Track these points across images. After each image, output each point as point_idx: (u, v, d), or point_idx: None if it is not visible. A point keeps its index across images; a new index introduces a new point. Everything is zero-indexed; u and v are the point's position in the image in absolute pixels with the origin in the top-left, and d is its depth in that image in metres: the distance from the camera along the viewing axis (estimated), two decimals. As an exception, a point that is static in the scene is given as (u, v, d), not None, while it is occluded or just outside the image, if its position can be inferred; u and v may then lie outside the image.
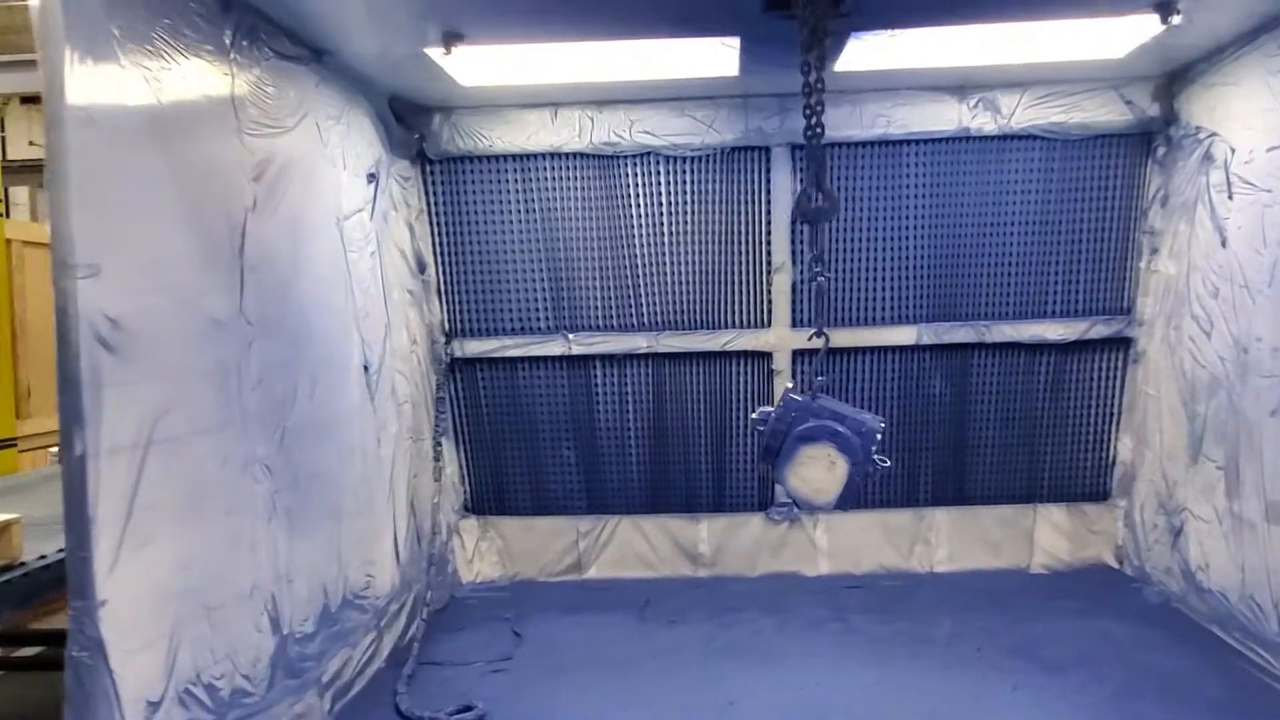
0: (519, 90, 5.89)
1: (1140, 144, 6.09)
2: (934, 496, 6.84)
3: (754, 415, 3.98)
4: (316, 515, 4.83)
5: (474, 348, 6.71)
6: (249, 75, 4.22)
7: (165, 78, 3.59)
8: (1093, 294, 6.36)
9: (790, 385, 4.04)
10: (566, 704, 4.98)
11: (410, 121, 6.16)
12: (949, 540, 6.87)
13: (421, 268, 6.50)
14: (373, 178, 5.67)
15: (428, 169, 6.35)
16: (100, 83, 3.21)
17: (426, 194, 6.40)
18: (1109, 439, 6.65)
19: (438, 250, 6.55)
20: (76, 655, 3.09)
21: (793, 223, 6.27)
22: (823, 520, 6.92)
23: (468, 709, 4.80)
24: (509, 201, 6.39)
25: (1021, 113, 5.99)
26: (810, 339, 4.16)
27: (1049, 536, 6.79)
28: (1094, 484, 6.75)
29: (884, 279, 6.40)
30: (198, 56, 3.83)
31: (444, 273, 6.60)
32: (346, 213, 5.31)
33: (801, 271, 6.40)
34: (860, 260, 6.37)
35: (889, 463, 3.85)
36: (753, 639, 5.78)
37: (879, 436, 3.90)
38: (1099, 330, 6.39)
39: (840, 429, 3.60)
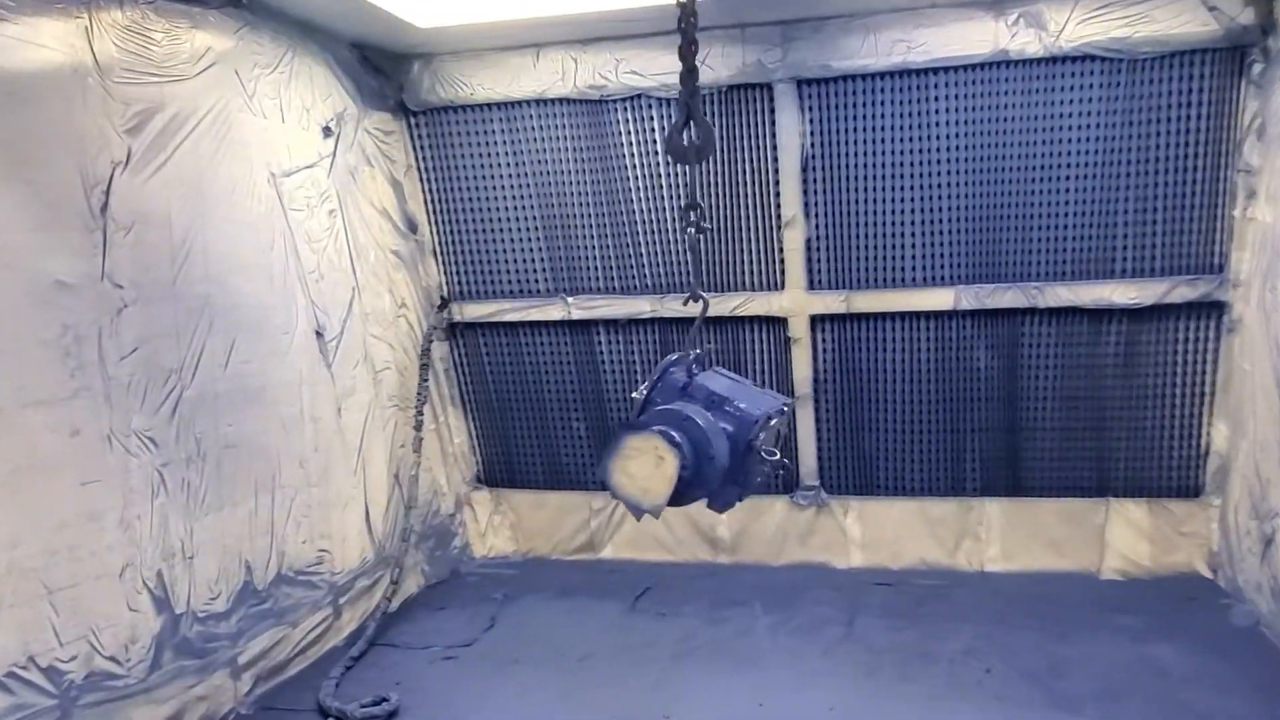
0: (496, 31, 5.36)
1: (1230, 61, 4.86)
2: (984, 485, 5.89)
3: (634, 394, 3.36)
4: (234, 488, 4.58)
5: (473, 311, 6.31)
6: (114, 19, 3.92)
7: (-29, 22, 3.33)
8: (1173, 249, 5.20)
9: (674, 356, 3.38)
10: (495, 703, 4.56)
11: (387, 70, 5.77)
12: (1002, 536, 5.92)
13: (413, 227, 6.14)
14: (329, 131, 5.32)
15: (411, 121, 5.95)
16: None
17: (413, 148, 6.01)
18: (1199, 424, 5.48)
19: (430, 208, 6.17)
20: None
21: (803, 170, 5.46)
22: (853, 508, 6.13)
23: (381, 701, 4.45)
24: (497, 154, 5.91)
25: (1074, 28, 4.91)
26: (685, 303, 3.48)
27: (1125, 537, 5.71)
28: (1182, 477, 5.60)
29: (913, 233, 5.48)
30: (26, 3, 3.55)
31: (438, 232, 6.21)
32: (287, 169, 4.99)
33: (817, 227, 5.58)
34: (883, 212, 5.48)
35: (778, 455, 3.13)
36: (735, 640, 5.15)
37: (773, 423, 3.19)
38: (1182, 293, 5.22)
39: (693, 416, 2.93)
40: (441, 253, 6.27)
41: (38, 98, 3.62)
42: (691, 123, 3.26)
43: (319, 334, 5.24)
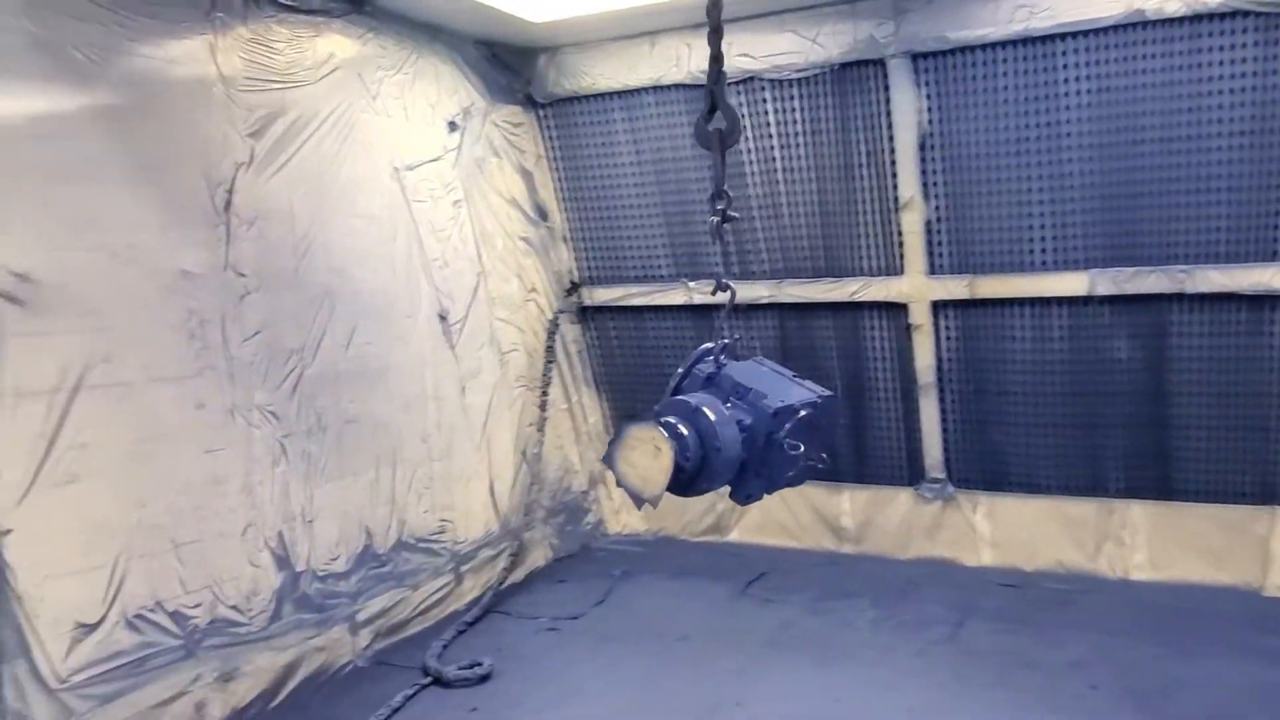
0: (612, 21, 5.47)
1: None
2: (1128, 486, 5.43)
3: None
4: (355, 459, 4.98)
5: (602, 295, 6.49)
6: (240, 33, 4.35)
7: (106, 45, 3.80)
8: (1346, 226, 4.57)
9: (708, 346, 3.36)
10: (581, 673, 4.73)
11: (514, 65, 6.01)
12: (1149, 542, 5.44)
13: (543, 215, 6.38)
14: (454, 126, 5.63)
15: (539, 113, 6.17)
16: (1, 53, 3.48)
17: (542, 138, 6.24)
18: (1388, 427, 4.80)
19: (560, 196, 6.38)
20: (-14, 577, 3.48)
21: (921, 149, 5.22)
22: (983, 504, 5.82)
23: (476, 665, 4.73)
24: (619, 142, 6.03)
25: (1223, -20, 4.41)
26: (714, 293, 3.43)
27: (1295, 551, 5.11)
28: (1364, 486, 4.94)
29: (1041, 213, 5.11)
30: (155, 18, 4.00)
31: (568, 219, 6.42)
32: (410, 164, 5.33)
33: (937, 208, 5.32)
34: (1009, 191, 5.14)
35: (801, 449, 3.06)
36: (832, 632, 5.05)
37: (802, 415, 3.12)
38: (1359, 276, 4.59)
39: (702, 407, 2.91)
40: (572, 239, 6.47)
41: (167, 109, 4.08)
42: (717, 110, 3.21)
43: (442, 318, 5.58)
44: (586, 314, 6.63)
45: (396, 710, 4.36)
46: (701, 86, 5.48)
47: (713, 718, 4.19)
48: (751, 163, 5.66)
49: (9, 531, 3.50)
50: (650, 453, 2.80)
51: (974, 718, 4.08)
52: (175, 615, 4.09)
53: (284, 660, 4.53)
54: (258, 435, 4.45)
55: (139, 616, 3.95)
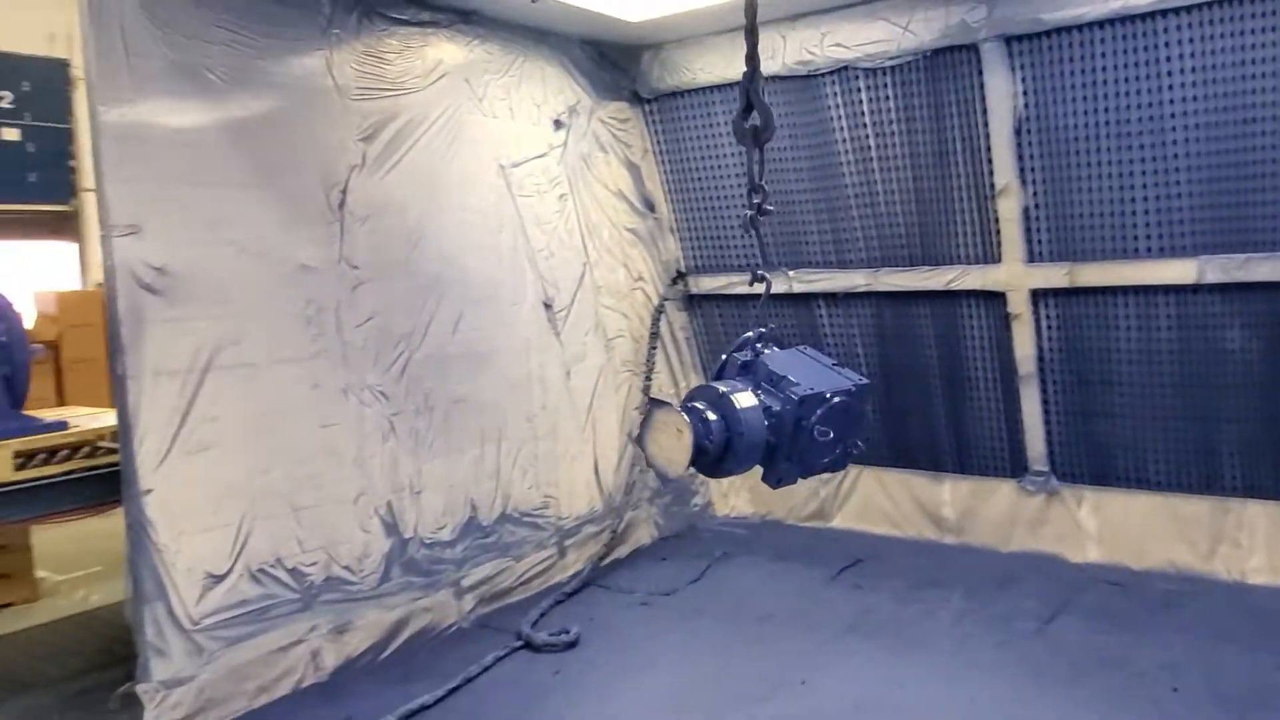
0: (709, 15, 5.61)
1: None
2: (1245, 484, 5.17)
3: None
4: (461, 437, 5.38)
5: (707, 284, 6.68)
6: (354, 47, 4.78)
7: (235, 65, 4.30)
8: None
9: (750, 334, 3.48)
10: (661, 645, 4.95)
11: (621, 62, 6.26)
12: (1268, 545, 5.16)
13: (650, 206, 6.62)
14: (559, 124, 5.94)
15: (645, 108, 6.39)
16: (141, 79, 4.00)
17: (648, 132, 6.47)
18: None
19: (666, 188, 6.59)
20: (131, 529, 4.05)
21: (1016, 134, 5.12)
22: (1088, 499, 5.66)
23: (563, 632, 5.04)
24: (720, 135, 6.17)
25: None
26: (751, 284, 3.55)
27: None
28: None
29: (1144, 198, 4.92)
30: (277, 39, 4.47)
31: (675, 210, 6.63)
32: (516, 160, 5.68)
33: (1035, 194, 5.21)
34: (1109, 176, 4.97)
35: (830, 434, 3.17)
36: (914, 621, 5.07)
37: (835, 401, 3.23)
38: None
39: (728, 393, 3.05)
40: (678, 229, 6.67)
41: (287, 119, 4.56)
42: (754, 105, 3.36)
43: (547, 305, 5.91)
44: (693, 302, 6.82)
45: (487, 669, 4.71)
46: (797, 77, 5.64)
47: (775, 693, 4.33)
48: (847, 152, 5.70)
49: (150, 491, 4.05)
50: (674, 434, 2.99)
51: (1036, 712, 4.05)
52: (294, 571, 4.58)
53: (392, 618, 4.97)
54: (368, 413, 4.90)
55: (261, 571, 4.46)
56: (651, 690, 4.43)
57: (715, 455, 3.06)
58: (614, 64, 6.25)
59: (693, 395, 3.17)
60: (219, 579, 4.29)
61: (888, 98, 5.44)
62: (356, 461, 4.85)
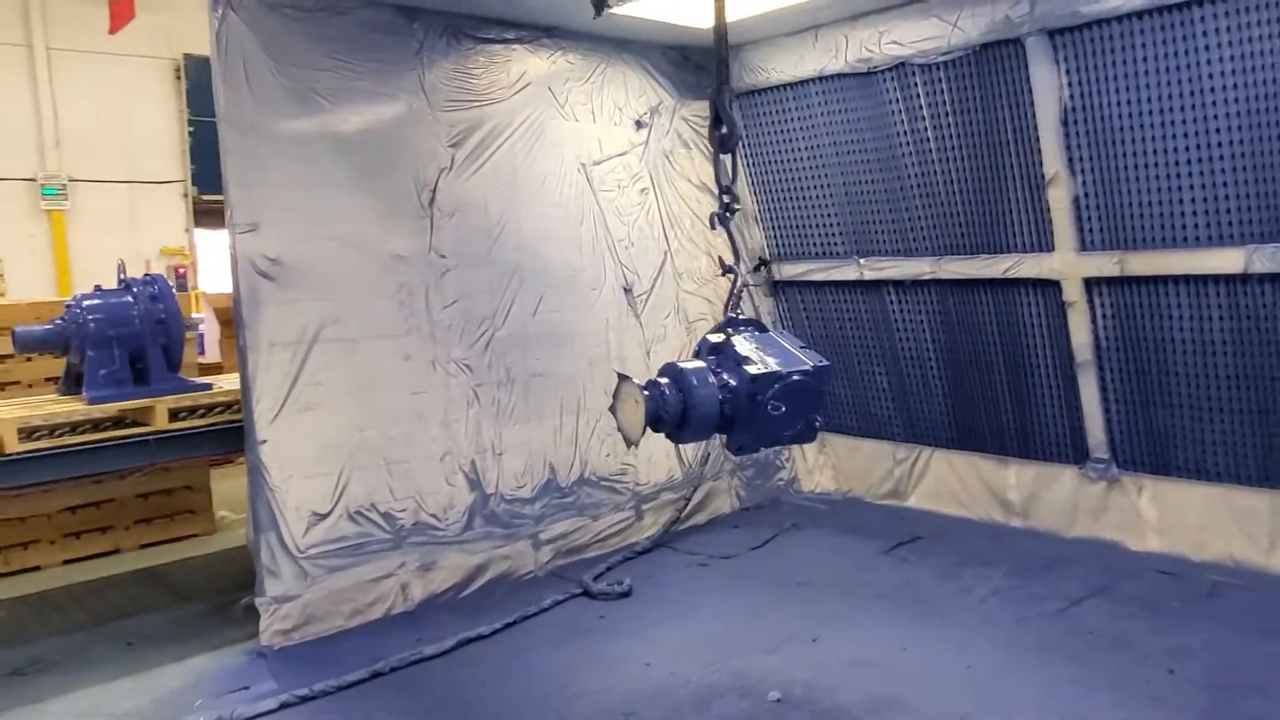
0: (781, 18, 5.97)
1: None
2: (1302, 478, 5.10)
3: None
4: (541, 407, 6.06)
5: (789, 271, 7.06)
6: (443, 65, 5.52)
7: (338, 87, 5.12)
8: None
9: (728, 318, 3.90)
10: (704, 599, 5.46)
11: (703, 64, 6.73)
12: (1327, 540, 5.07)
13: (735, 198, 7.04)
14: (641, 124, 6.48)
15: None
16: (260, 101, 4.88)
17: (733, 128, 6.88)
18: None
19: (750, 180, 7.01)
20: (251, 472, 4.98)
21: (1063, 125, 5.23)
22: (1148, 487, 5.69)
23: (619, 583, 5.63)
24: (793, 130, 6.54)
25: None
26: (720, 274, 3.96)
27: None
28: None
29: (1190, 186, 4.93)
30: (376, 62, 5.26)
31: (758, 202, 7.04)
32: (597, 159, 6.28)
33: (1084, 184, 5.30)
34: (1155, 165, 5.00)
35: (783, 409, 3.58)
36: (945, 595, 5.34)
37: (795, 379, 3.64)
38: None
39: (687, 370, 3.51)
40: (761, 220, 7.08)
41: (384, 130, 5.34)
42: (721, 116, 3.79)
43: (627, 290, 6.49)
44: (778, 288, 7.21)
45: (544, 610, 5.38)
46: (859, 74, 5.94)
47: (783, 646, 4.76)
48: (907, 144, 5.94)
49: (265, 442, 4.95)
50: (633, 405, 3.52)
51: (1022, 682, 4.28)
52: (386, 515, 5.41)
53: (474, 562, 5.73)
54: (454, 383, 5.66)
55: (358, 513, 5.30)
56: (675, 636, 4.96)
57: (673, 423, 3.55)
58: (697, 66, 6.72)
59: (661, 372, 3.67)
60: (322, 517, 5.16)
61: (942, 91, 5.65)
62: (443, 424, 5.62)
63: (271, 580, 5.00)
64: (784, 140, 6.63)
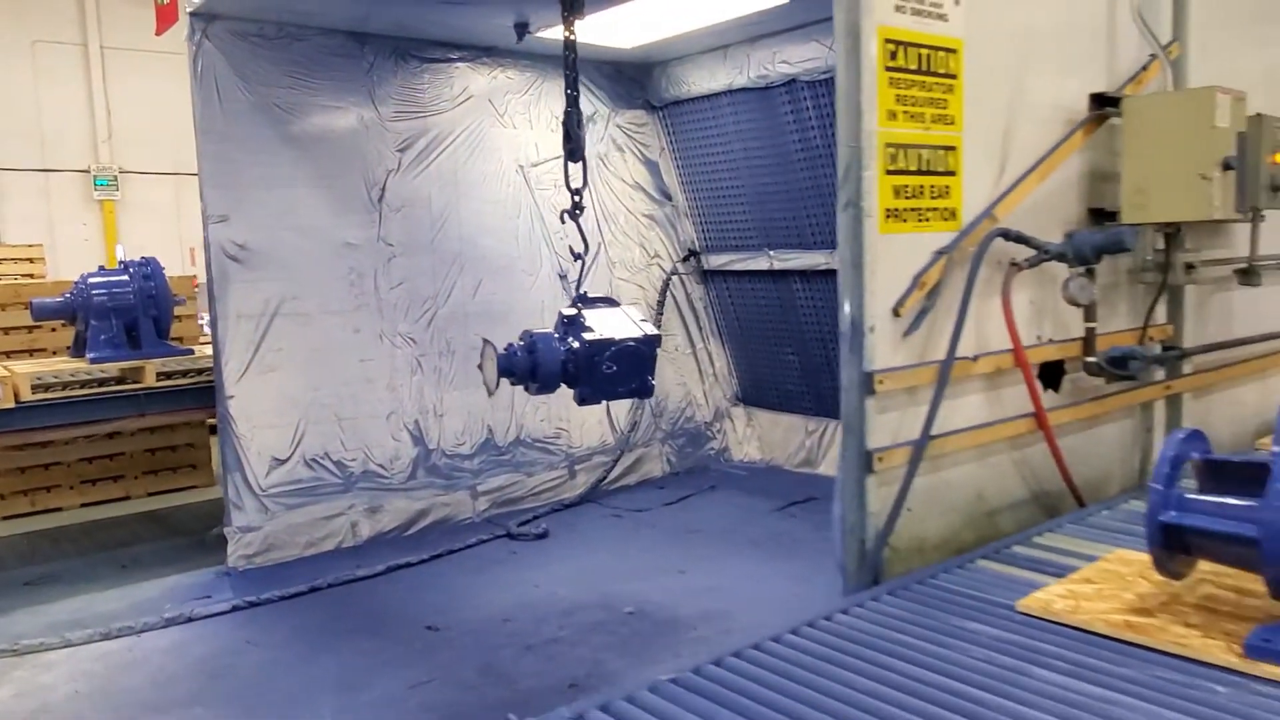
0: (696, 38, 6.84)
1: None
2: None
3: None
4: (479, 375, 6.98)
5: (714, 261, 7.91)
6: (391, 82, 6.48)
7: (297, 102, 6.11)
8: None
9: (588, 297, 4.80)
10: (602, 543, 6.37)
11: (637, 77, 7.61)
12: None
13: (667, 196, 7.94)
14: (576, 130, 7.37)
15: (659, 114, 7.71)
16: (229, 114, 5.87)
17: (663, 134, 7.78)
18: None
19: (680, 181, 7.88)
20: (220, 421, 6.00)
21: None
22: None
23: (536, 527, 6.57)
24: (710, 136, 7.39)
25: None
26: (574, 260, 4.84)
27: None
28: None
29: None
30: (331, 80, 6.23)
31: (687, 199, 7.91)
32: (534, 161, 7.19)
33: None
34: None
35: (615, 369, 4.48)
36: (811, 542, 6.16)
37: (626, 345, 4.53)
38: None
39: (537, 336, 4.44)
40: (692, 215, 7.95)
41: (338, 137, 6.31)
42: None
43: (562, 276, 7.40)
44: (707, 276, 8.08)
45: (469, 546, 6.34)
46: (758, 89, 6.77)
47: (655, 577, 5.65)
48: (798, 150, 6.77)
49: (232, 397, 5.96)
50: (490, 362, 4.44)
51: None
52: (338, 463, 6.39)
53: (417, 507, 6.69)
54: (399, 353, 6.62)
55: (313, 460, 6.30)
56: (568, 568, 5.87)
57: (523, 377, 4.47)
58: (630, 79, 7.60)
59: (520, 336, 4.60)
60: (282, 461, 6.16)
61: (825, 105, 6.47)
62: (389, 388, 6.59)
63: (237, 513, 6.00)
64: (705, 145, 7.48)
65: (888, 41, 2.83)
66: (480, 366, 4.59)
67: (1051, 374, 3.33)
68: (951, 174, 3.03)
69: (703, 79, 7.18)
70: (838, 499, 2.99)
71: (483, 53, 6.86)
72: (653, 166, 7.84)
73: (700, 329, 8.20)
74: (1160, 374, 3.73)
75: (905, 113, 2.88)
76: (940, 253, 2.97)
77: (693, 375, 8.21)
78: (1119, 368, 3.21)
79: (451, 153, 6.77)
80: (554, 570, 5.86)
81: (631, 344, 4.54)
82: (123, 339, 6.25)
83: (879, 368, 2.87)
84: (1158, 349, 3.67)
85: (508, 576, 5.80)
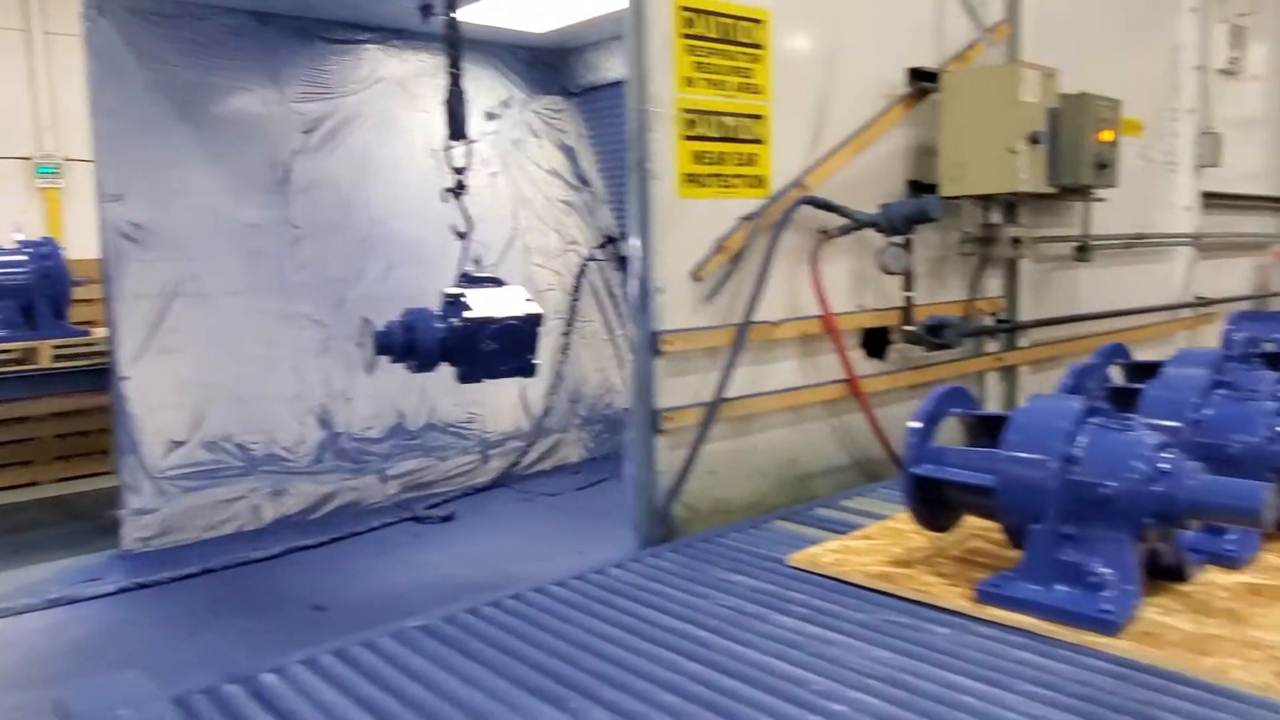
0: (606, 23, 6.86)
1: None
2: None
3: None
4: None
5: (628, 248, 7.93)
6: (296, 63, 6.43)
7: (197, 82, 6.04)
8: None
9: (476, 276, 4.82)
10: (507, 525, 6.39)
11: (555, 63, 7.62)
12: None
13: (585, 182, 7.96)
14: (491, 115, 7.38)
15: (576, 100, 7.72)
16: (125, 93, 5.80)
17: (581, 120, 7.80)
18: None
19: (598, 167, 7.91)
20: (114, 403, 5.92)
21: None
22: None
23: (443, 510, 6.57)
24: (620, 123, 7.41)
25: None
26: (458, 239, 4.86)
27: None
28: None
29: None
30: (232, 60, 6.18)
31: (606, 185, 7.93)
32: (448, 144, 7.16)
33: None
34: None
35: (495, 347, 4.49)
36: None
37: (508, 323, 4.55)
38: None
39: (416, 314, 4.45)
40: (610, 201, 7.98)
41: (240, 118, 6.26)
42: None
43: (475, 262, 7.36)
44: (624, 262, 8.10)
45: (372, 529, 6.32)
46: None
47: (554, 556, 5.62)
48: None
49: (128, 378, 5.89)
50: (369, 339, 4.43)
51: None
52: (240, 446, 6.34)
53: (323, 490, 6.65)
54: (305, 336, 6.58)
55: (212, 442, 6.24)
56: (469, 550, 5.89)
57: (401, 355, 4.48)
58: (547, 64, 7.61)
59: (402, 314, 4.60)
60: (179, 444, 6.10)
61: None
62: (294, 370, 6.55)
63: (133, 496, 5.94)
64: (622, 131, 7.48)
65: (684, 9, 2.85)
66: (360, 344, 4.58)
67: (876, 342, 3.39)
68: (759, 142, 3.07)
69: (618, 65, 7.19)
70: (628, 459, 3.02)
71: (392, 35, 6.84)
72: (569, 152, 7.85)
73: (619, 315, 8.23)
74: (994, 346, 3.81)
75: (705, 80, 2.92)
76: (745, 218, 3.01)
77: (610, 362, 8.24)
78: (935, 336, 3.28)
79: (361, 135, 6.74)
80: (454, 552, 5.86)
81: (513, 322, 4.57)
82: (19, 320, 6.15)
83: (667, 328, 2.89)
84: (989, 321, 3.75)
85: (407, 558, 5.80)
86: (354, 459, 6.81)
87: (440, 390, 7.19)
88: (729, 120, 2.98)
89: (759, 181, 3.08)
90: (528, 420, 7.72)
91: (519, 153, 7.58)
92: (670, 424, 2.92)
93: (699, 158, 2.92)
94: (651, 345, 2.88)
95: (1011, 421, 2.10)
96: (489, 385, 7.34)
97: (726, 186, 2.99)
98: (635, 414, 2.99)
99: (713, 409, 2.96)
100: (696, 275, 2.93)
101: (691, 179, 2.90)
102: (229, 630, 4.75)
